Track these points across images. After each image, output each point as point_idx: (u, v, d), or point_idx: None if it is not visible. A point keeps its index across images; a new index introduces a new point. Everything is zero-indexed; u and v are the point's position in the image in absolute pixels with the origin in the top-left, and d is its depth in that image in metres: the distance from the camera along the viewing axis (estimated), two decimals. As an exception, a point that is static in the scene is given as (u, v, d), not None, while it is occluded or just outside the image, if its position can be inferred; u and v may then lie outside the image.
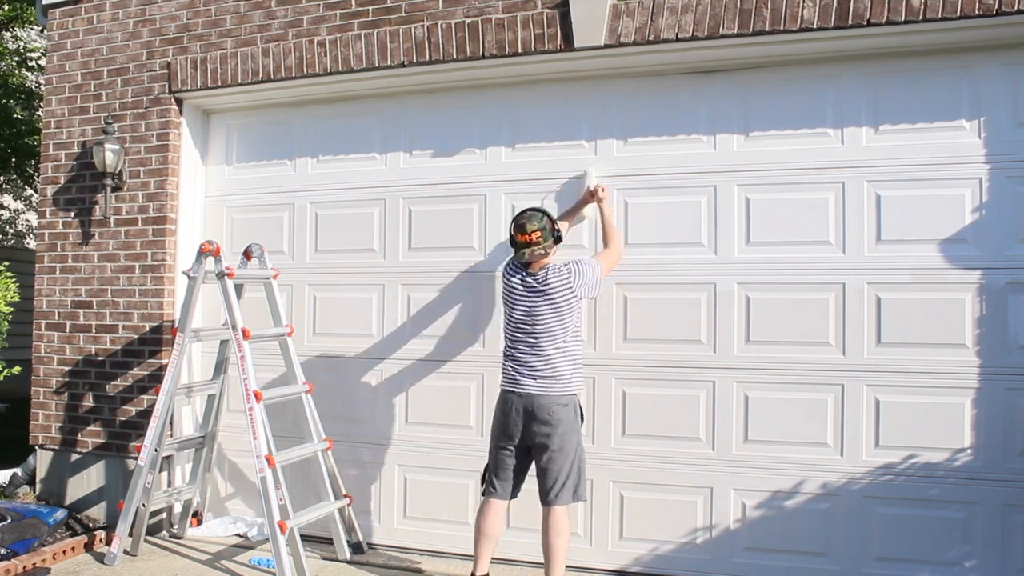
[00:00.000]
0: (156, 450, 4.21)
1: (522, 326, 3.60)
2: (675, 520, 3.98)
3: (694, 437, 3.97)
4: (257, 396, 3.93)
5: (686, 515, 3.97)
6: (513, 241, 3.63)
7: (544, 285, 3.56)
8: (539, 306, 3.56)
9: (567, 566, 4.08)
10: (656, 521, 4.01)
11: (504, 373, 3.68)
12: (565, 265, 3.61)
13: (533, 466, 3.63)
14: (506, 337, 3.71)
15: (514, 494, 3.69)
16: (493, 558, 4.19)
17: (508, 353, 3.67)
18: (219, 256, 4.16)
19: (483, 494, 3.70)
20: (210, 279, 4.25)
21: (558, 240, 3.64)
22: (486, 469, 3.73)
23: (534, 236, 3.55)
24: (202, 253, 4.22)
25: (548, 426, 3.50)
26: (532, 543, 4.17)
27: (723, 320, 3.95)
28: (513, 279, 3.67)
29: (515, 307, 3.63)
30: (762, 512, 3.86)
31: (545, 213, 3.65)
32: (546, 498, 3.56)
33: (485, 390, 4.29)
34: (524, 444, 3.59)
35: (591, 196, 4.03)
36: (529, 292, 3.60)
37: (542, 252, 3.57)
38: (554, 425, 3.49)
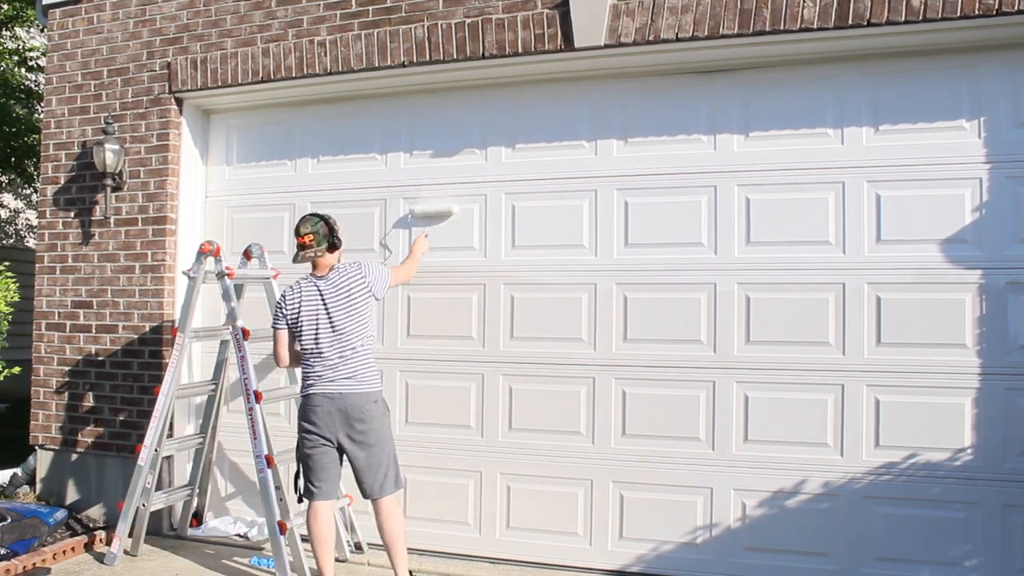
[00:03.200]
0: (156, 450, 4.21)
1: (323, 330, 3.63)
2: (675, 520, 3.98)
3: (694, 437, 3.97)
4: (257, 396, 3.93)
5: (686, 515, 3.97)
6: (296, 246, 3.73)
7: (337, 286, 3.65)
8: (339, 307, 3.63)
9: (563, 565, 4.11)
10: (656, 521, 4.01)
11: (309, 377, 3.66)
12: (355, 263, 3.73)
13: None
14: (304, 347, 3.69)
15: (336, 493, 3.77)
16: (494, 558, 4.21)
17: (310, 360, 3.66)
18: (219, 256, 4.16)
19: (304, 498, 3.69)
20: (210, 279, 4.26)
21: (333, 246, 3.71)
22: (297, 475, 3.73)
23: (307, 239, 3.66)
24: (202, 253, 4.22)
25: (364, 423, 3.57)
26: (533, 543, 4.18)
27: (723, 320, 3.95)
28: (306, 286, 3.70)
29: (312, 313, 3.65)
30: (762, 512, 3.86)
31: (323, 219, 3.73)
32: (375, 491, 3.61)
33: (485, 390, 4.29)
34: (339, 443, 3.62)
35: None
36: (326, 296, 3.65)
37: (313, 255, 3.67)
38: (368, 422, 3.58)
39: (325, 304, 3.65)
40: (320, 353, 3.64)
